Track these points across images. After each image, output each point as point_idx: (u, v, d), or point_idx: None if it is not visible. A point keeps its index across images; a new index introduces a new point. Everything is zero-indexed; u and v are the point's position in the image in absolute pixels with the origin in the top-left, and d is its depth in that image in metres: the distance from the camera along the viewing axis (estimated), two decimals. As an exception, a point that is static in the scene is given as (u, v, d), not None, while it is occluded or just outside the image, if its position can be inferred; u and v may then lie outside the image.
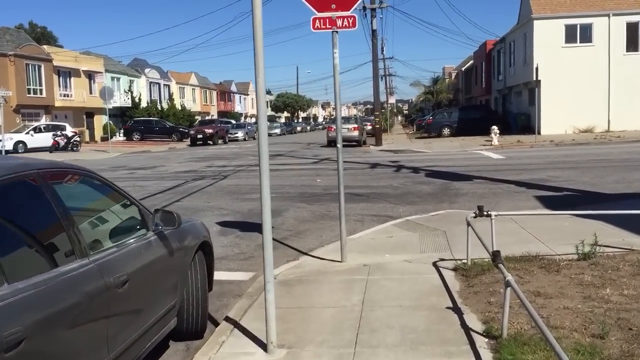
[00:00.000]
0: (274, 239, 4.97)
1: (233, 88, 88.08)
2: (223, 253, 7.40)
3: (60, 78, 43.57)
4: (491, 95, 46.21)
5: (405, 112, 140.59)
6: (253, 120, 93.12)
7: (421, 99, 56.73)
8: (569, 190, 11.47)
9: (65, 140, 34.18)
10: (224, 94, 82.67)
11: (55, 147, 32.70)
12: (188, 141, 43.05)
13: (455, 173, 15.05)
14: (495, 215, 5.79)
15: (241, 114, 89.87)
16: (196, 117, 60.30)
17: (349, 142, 31.36)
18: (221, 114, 77.15)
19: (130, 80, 52.86)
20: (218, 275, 5.61)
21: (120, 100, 49.69)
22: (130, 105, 51.04)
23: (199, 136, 41.90)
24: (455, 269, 5.85)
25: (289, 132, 70.51)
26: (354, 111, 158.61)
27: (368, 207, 10.65)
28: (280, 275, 6.10)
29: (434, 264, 6.16)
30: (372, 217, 9.73)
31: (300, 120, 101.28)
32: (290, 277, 6.14)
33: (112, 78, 49.78)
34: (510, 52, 36.91)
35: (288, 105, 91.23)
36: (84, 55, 46.38)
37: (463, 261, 5.95)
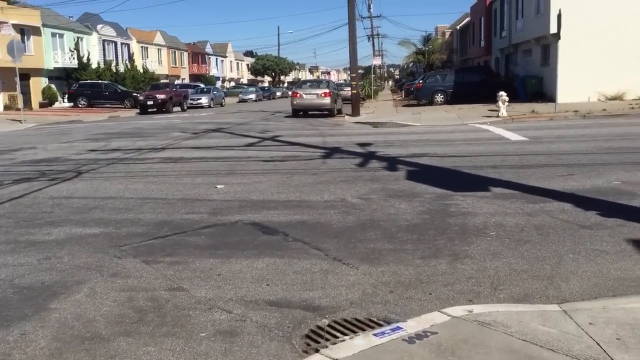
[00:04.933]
0: None
1: (208, 49, 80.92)
2: None
3: (-18, 33, 36.74)
4: (491, 56, 39.88)
5: (397, 76, 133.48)
6: (232, 84, 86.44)
7: (411, 60, 50.29)
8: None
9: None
10: (197, 55, 75.57)
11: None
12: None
13: (457, 171, 9.08)
14: None
15: (218, 78, 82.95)
16: (163, 81, 53.64)
17: (320, 111, 25.27)
18: (194, 77, 70.41)
19: (77, 38, 45.92)
20: None
21: (63, 60, 42.94)
22: (77, 67, 44.31)
23: (149, 102, 35.47)
24: None
25: (267, 98, 63.96)
26: (344, 76, 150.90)
27: (269, 275, 4.72)
28: None
29: None
30: (259, 327, 3.80)
31: (285, 84, 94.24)
32: None
33: (53, 34, 42.90)
34: (518, 2, 30.47)
35: (268, 68, 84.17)
36: (12, 6, 39.36)
37: None
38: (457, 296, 4.28)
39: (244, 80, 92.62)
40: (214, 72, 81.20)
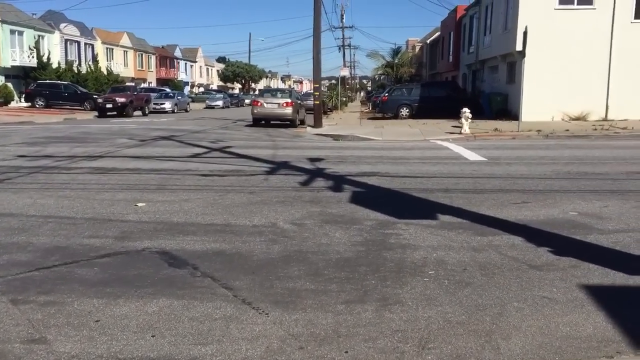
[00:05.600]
0: None
1: (177, 53, 79.58)
2: None
3: None
4: (459, 72, 39.77)
5: (369, 88, 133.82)
6: (201, 89, 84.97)
7: (379, 72, 49.95)
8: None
9: None
10: (166, 59, 74.21)
11: None
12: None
13: (406, 194, 8.40)
14: None
15: (187, 83, 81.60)
16: (129, 84, 52.15)
17: (281, 121, 24.53)
18: (162, 81, 68.96)
19: (38, 36, 44.33)
20: None
21: (21, 58, 41.35)
22: (36, 66, 42.73)
23: (108, 105, 34.20)
24: None
25: (235, 105, 62.94)
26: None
27: (159, 323, 3.94)
28: None
29: None
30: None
31: (256, 92, 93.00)
32: None
33: (12, 31, 41.32)
34: (487, 17, 30.30)
35: (238, 75, 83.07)
36: (-33, 0, 37.82)
37: None
38: (377, 356, 3.56)
39: (214, 86, 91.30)
40: (182, 76, 79.85)
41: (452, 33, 39.88)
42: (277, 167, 11.01)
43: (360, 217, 6.90)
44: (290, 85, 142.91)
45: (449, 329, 3.94)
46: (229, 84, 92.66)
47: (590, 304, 4.33)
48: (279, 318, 4.08)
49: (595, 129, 19.99)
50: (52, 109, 38.09)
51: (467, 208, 7.38)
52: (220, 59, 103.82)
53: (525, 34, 19.22)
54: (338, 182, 9.25)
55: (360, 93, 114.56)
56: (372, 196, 8.22)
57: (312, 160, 11.99)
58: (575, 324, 4.00)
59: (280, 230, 6.34)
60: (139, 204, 7.32)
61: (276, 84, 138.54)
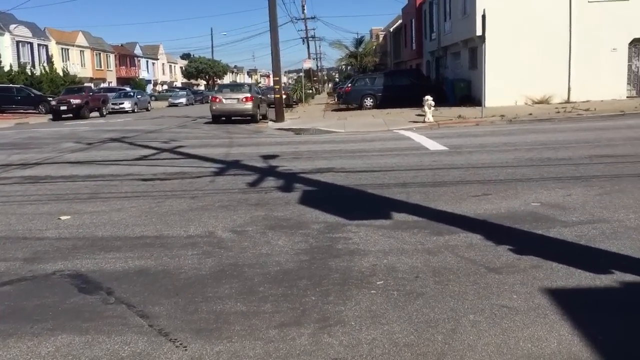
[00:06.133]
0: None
1: (137, 51, 77.74)
2: None
3: None
4: (423, 59, 39.46)
5: (337, 80, 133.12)
6: (165, 87, 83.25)
7: (343, 62, 49.36)
8: None
9: None
10: (125, 57, 72.36)
11: None
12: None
13: (360, 191, 7.84)
14: None
15: (149, 81, 79.84)
16: (87, 85, 50.51)
17: (242, 117, 23.80)
18: (122, 80, 67.22)
19: (-14, 38, 42.56)
20: None
21: (-31, 62, 39.62)
22: (-14, 70, 41.03)
23: (63, 108, 32.87)
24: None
25: (199, 102, 61.65)
26: (284, 79, 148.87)
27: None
28: None
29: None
30: None
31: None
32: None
33: (-42, 34, 39.48)
34: (446, 3, 29.93)
35: (202, 71, 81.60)
36: None
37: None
38: (307, 396, 2.98)
39: (178, 84, 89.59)
40: (144, 75, 78.07)
41: (413, 20, 39.52)
42: (227, 167, 10.35)
43: (308, 220, 6.32)
44: (257, 80, 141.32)
45: (395, 353, 3.40)
46: (193, 81, 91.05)
47: (554, 312, 3.84)
48: (198, 351, 3.48)
49: (558, 112, 19.78)
50: (4, 114, 36.59)
51: (424, 204, 6.86)
52: (185, 56, 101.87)
53: (484, 17, 18.85)
54: (289, 181, 8.64)
55: (328, 85, 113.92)
56: (323, 195, 7.66)
57: (266, 157, 11.36)
58: (537, 338, 3.49)
59: (217, 240, 5.72)
60: (63, 217, 6.61)
61: (243, 78, 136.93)
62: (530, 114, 19.54)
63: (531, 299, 4.06)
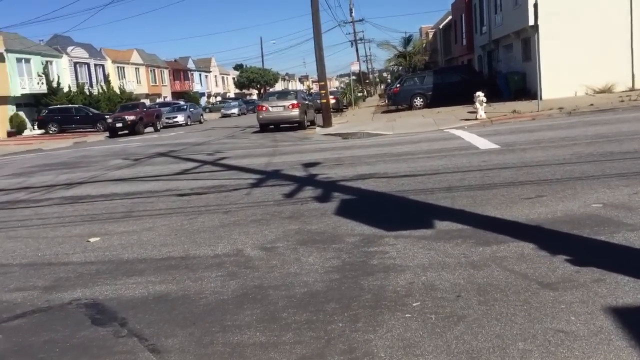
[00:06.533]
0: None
1: (190, 65, 79.38)
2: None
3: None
4: (474, 54, 38.27)
5: (389, 81, 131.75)
6: (219, 99, 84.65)
7: (392, 63, 48.60)
8: None
9: None
10: (179, 72, 74.02)
11: None
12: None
13: (402, 197, 7.32)
14: None
15: (203, 94, 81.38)
16: (142, 101, 51.87)
17: (289, 124, 23.60)
18: (177, 94, 68.73)
19: (46, 62, 44.27)
20: None
21: (30, 85, 41.32)
22: (46, 92, 42.66)
23: (118, 125, 33.75)
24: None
25: (251, 111, 62.20)
26: (335, 84, 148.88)
27: None
28: None
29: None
30: None
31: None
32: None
33: (19, 60, 41.25)
34: (496, -5, 28.83)
35: (253, 80, 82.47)
36: (-30, 33, 37.89)
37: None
38: None
39: (231, 95, 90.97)
40: (197, 88, 79.63)
41: (463, 15, 38.40)
42: (266, 177, 10.02)
43: (343, 233, 5.88)
44: (309, 85, 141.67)
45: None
46: (245, 91, 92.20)
47: (620, 337, 3.25)
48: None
49: (622, 101, 18.53)
50: (64, 134, 37.94)
51: (470, 209, 6.28)
52: (238, 66, 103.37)
53: (535, 6, 17.88)
54: (328, 189, 8.21)
55: (380, 86, 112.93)
56: (362, 204, 7.19)
57: (307, 165, 10.97)
58: (603, 374, 2.93)
59: (244, 259, 5.36)
60: (92, 240, 6.42)
61: (294, 85, 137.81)
62: (592, 105, 18.38)
63: (592, 321, 3.48)
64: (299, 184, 8.86)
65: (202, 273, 5.06)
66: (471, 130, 15.27)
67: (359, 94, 50.76)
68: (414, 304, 3.99)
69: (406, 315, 3.84)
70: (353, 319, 3.85)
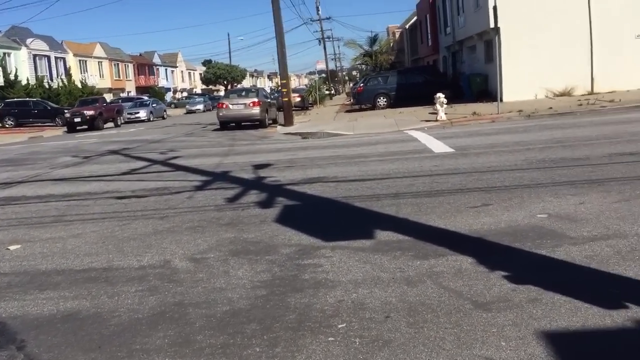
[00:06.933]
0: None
1: (156, 60, 77.95)
2: None
3: None
4: (439, 55, 38.37)
5: (358, 79, 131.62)
6: (185, 94, 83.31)
7: (358, 62, 48.38)
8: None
9: None
10: (144, 66, 72.57)
11: None
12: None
13: (346, 204, 7.06)
14: None
15: (168, 89, 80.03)
16: (104, 95, 50.55)
17: (250, 122, 23.20)
18: (142, 89, 67.34)
19: (3, 54, 42.81)
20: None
21: (-15, 78, 39.88)
22: (3, 84, 41.22)
23: (77, 120, 32.77)
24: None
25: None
26: (305, 81, 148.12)
27: None
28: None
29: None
30: None
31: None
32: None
33: (-27, 51, 39.75)
34: (459, -4, 28.89)
35: (220, 77, 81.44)
36: None
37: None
38: None
39: (198, 90, 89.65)
40: (163, 83, 78.24)
41: (427, 16, 38.46)
42: (213, 179, 9.64)
43: (279, 243, 5.57)
44: (277, 83, 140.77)
45: None
46: (212, 87, 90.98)
47: (550, 368, 3.02)
48: None
49: (581, 104, 18.67)
50: (22, 128, 36.72)
51: (414, 218, 6.05)
52: (207, 62, 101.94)
53: (495, 9, 17.87)
54: (273, 194, 7.90)
55: (349, 85, 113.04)
56: (305, 211, 6.90)
57: (258, 167, 10.63)
58: (524, 408, 2.69)
59: (170, 271, 5.01)
60: (12, 247, 5.97)
61: (263, 82, 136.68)
62: (551, 108, 18.47)
63: (523, 347, 3.25)
64: (244, 188, 8.51)
65: (121, 287, 4.69)
66: (430, 132, 15.13)
67: (326, 92, 50.51)
68: (340, 326, 3.71)
69: (329, 338, 3.56)
70: (272, 343, 3.55)
